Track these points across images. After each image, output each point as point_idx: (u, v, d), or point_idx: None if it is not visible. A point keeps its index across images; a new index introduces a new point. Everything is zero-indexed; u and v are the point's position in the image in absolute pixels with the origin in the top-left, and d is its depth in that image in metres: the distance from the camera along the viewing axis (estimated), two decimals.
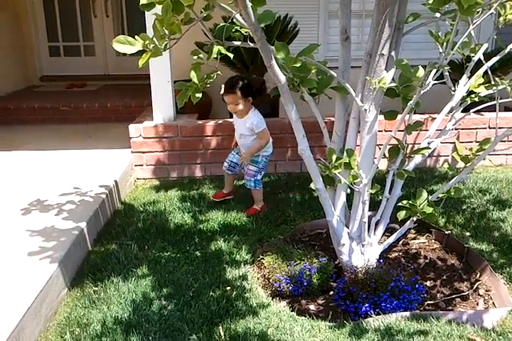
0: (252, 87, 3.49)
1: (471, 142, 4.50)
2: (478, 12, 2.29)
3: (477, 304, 2.51)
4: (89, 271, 2.74)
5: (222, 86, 3.34)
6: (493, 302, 2.50)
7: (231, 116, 4.89)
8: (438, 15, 2.38)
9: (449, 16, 2.38)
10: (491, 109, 2.79)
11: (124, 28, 7.59)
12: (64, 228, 2.96)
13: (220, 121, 4.39)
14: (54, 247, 2.70)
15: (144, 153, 4.36)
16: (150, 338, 2.18)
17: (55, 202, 3.37)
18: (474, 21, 2.33)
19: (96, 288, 2.59)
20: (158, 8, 1.89)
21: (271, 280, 2.60)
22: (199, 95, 2.21)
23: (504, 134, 2.46)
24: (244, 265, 2.82)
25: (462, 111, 2.73)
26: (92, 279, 2.67)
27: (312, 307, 2.52)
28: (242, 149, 3.61)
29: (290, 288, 2.55)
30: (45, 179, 3.86)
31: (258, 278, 2.71)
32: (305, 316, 2.38)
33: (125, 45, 1.92)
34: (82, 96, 6.52)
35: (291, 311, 2.43)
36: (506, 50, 2.58)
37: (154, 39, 1.96)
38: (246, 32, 2.25)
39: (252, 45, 2.24)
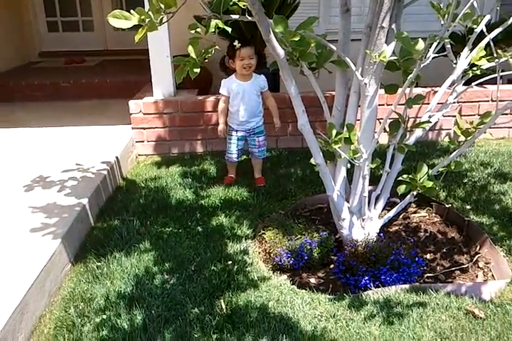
0: None
1: (474, 115, 4.46)
2: None
3: (476, 276, 2.53)
4: (92, 247, 2.77)
5: (237, 43, 3.01)
6: (493, 275, 2.53)
7: None
8: None
9: None
10: (494, 81, 2.76)
11: (123, 3, 7.48)
12: (66, 204, 2.98)
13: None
14: (56, 223, 2.73)
15: (144, 129, 4.34)
16: (153, 312, 2.21)
17: (57, 179, 3.39)
18: None
19: (99, 264, 2.63)
20: None
21: (272, 255, 2.63)
22: (197, 70, 2.18)
23: (506, 107, 2.43)
24: (245, 240, 2.84)
25: (464, 84, 2.70)
26: (95, 254, 2.70)
27: (312, 280, 2.55)
28: (249, 120, 3.49)
29: (291, 262, 2.58)
30: (47, 156, 3.86)
31: (259, 253, 2.74)
32: (305, 289, 2.41)
33: (121, 20, 1.89)
34: (82, 72, 6.47)
35: (292, 284, 2.46)
36: (509, 22, 2.51)
37: (150, 13, 1.93)
38: (244, 5, 2.21)
39: (250, 18, 2.20)
